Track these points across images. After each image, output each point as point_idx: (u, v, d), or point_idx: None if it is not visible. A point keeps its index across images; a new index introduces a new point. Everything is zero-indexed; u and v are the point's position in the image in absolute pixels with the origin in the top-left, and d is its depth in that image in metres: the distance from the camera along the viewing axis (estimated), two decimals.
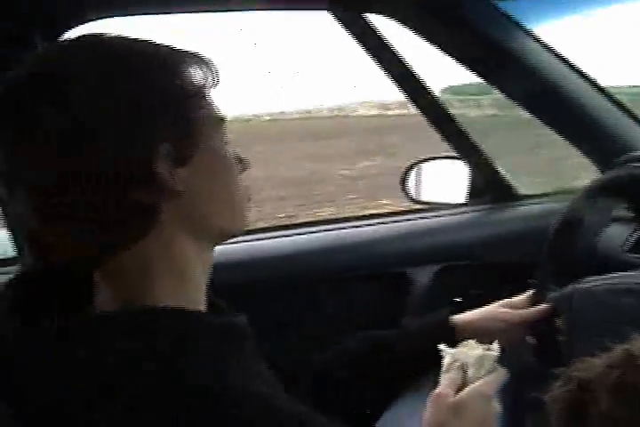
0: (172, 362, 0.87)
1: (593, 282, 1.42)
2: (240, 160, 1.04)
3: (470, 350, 1.23)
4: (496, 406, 1.16)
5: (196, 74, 0.96)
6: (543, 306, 1.46)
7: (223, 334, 0.96)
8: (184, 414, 0.83)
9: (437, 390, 1.16)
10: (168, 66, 0.94)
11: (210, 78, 0.98)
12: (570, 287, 1.44)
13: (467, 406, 1.12)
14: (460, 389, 1.16)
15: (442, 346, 1.25)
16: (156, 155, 0.90)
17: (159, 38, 0.98)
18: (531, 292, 1.52)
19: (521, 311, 1.48)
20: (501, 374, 1.20)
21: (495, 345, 1.24)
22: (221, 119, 1.00)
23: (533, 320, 1.46)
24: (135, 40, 0.96)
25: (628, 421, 0.77)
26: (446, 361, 1.22)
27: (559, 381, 0.87)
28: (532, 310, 1.47)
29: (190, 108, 0.94)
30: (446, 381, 1.17)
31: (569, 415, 0.84)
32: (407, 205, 2.07)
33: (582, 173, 2.16)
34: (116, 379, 0.85)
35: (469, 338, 1.31)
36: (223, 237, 1.04)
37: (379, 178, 8.19)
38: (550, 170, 5.99)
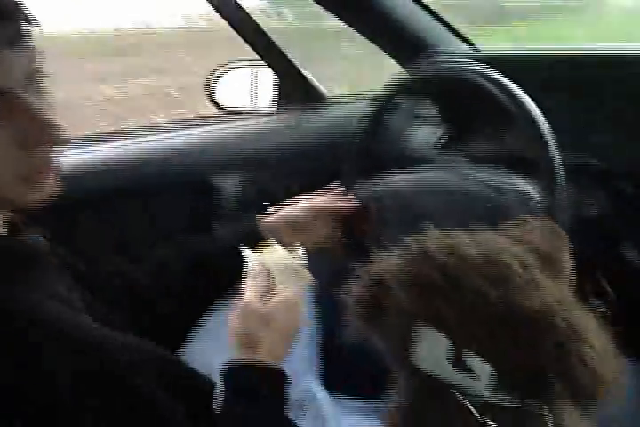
0: None
1: (401, 181, 1.43)
2: (48, 127, 0.88)
3: (275, 255, 1.21)
4: (304, 313, 1.16)
5: None
6: (351, 198, 1.46)
7: (11, 256, 0.92)
8: None
9: (243, 299, 1.14)
10: None
11: None
12: (379, 184, 1.44)
13: (274, 314, 1.10)
14: (265, 296, 1.14)
15: (246, 252, 1.23)
16: None
17: None
18: (336, 185, 1.53)
19: (327, 200, 1.49)
20: (308, 280, 1.19)
21: (300, 250, 1.23)
22: None
23: (341, 212, 1.47)
24: None
25: (423, 314, 0.78)
26: (251, 268, 1.19)
27: (357, 277, 0.87)
28: (341, 200, 1.49)
29: None
30: (251, 288, 1.15)
31: (365, 311, 0.85)
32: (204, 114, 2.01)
33: None
34: None
35: (280, 240, 1.30)
36: None
37: (139, 100, 7.87)
38: None
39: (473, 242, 0.80)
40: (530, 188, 1.25)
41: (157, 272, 1.41)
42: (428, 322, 0.77)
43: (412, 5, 1.82)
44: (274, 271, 1.17)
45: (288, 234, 1.41)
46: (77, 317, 0.91)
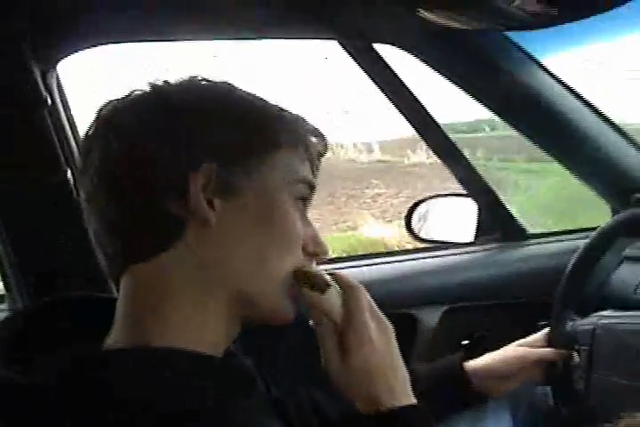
0: (171, 411, 0.79)
1: (614, 319, 1.41)
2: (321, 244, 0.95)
3: None
4: None
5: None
6: (563, 351, 1.43)
7: (234, 382, 0.91)
8: None
9: None
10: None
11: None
12: (591, 322, 1.42)
13: None
14: None
15: None
16: (195, 170, 0.84)
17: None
18: (545, 331, 1.49)
19: (538, 350, 1.46)
20: None
21: None
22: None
23: (550, 359, 1.44)
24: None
25: None
26: None
27: None
28: (550, 349, 1.45)
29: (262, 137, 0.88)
30: None
31: None
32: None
33: None
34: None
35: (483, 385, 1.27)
36: (239, 314, 0.92)
37: None
38: None
39: None
40: None
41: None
42: None
43: (623, 142, 1.78)
44: None
45: (494, 381, 1.40)
46: None
